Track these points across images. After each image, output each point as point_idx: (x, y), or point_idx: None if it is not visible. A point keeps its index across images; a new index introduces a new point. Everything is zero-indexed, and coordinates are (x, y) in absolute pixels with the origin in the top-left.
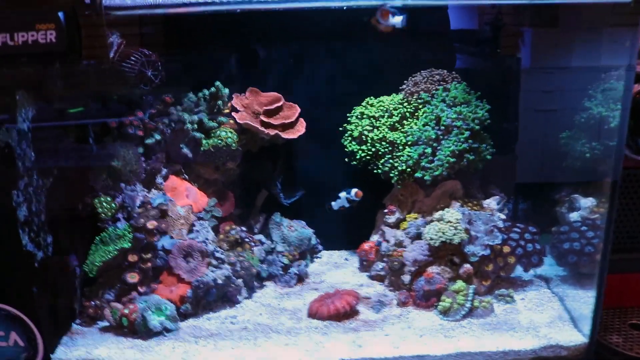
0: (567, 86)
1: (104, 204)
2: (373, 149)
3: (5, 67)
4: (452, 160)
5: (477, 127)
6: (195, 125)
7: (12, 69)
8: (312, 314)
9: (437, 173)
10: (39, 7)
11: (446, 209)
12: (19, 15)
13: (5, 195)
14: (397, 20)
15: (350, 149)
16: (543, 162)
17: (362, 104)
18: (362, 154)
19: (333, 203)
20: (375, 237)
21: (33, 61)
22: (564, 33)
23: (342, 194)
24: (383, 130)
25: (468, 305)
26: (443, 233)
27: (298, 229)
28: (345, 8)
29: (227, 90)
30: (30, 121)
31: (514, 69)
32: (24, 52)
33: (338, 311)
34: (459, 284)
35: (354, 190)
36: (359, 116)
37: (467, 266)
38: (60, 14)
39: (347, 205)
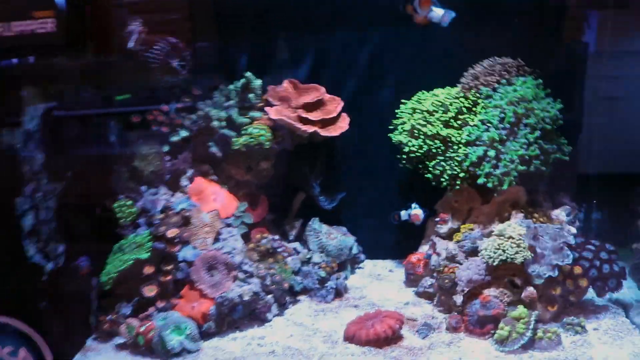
0: None
1: (123, 208)
2: (425, 147)
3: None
4: (521, 167)
5: (549, 126)
6: (225, 122)
7: (7, 61)
8: (349, 338)
9: (504, 187)
10: None
11: (507, 223)
12: (14, 2)
13: (8, 204)
14: (437, 13)
15: (396, 140)
16: (623, 164)
17: (414, 98)
18: (414, 147)
19: (402, 212)
20: (424, 248)
21: (31, 53)
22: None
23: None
24: (437, 126)
25: (529, 334)
26: (503, 251)
27: (338, 237)
28: None
29: (259, 82)
30: (39, 120)
31: (579, 54)
32: (21, 44)
33: (378, 336)
34: (520, 309)
35: (413, 212)
36: (409, 111)
37: (531, 289)
38: (60, 1)
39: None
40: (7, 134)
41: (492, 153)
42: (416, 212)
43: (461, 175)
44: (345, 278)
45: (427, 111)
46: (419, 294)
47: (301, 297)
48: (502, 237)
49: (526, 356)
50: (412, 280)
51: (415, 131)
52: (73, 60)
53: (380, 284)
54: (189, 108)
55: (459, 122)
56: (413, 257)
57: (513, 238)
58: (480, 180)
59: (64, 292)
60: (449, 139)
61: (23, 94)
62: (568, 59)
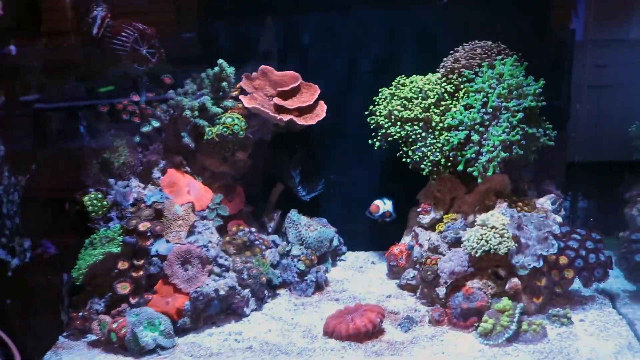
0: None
1: (94, 201)
2: (403, 132)
3: None
4: (503, 154)
5: (532, 103)
6: (197, 112)
7: None
8: (329, 333)
9: (489, 173)
10: None
11: (490, 212)
12: None
13: None
14: None
15: (373, 123)
16: (610, 152)
17: (393, 83)
18: (391, 132)
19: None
20: (406, 239)
21: None
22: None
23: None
24: (415, 110)
25: (514, 327)
26: (486, 241)
27: (318, 229)
28: None
29: (232, 69)
30: None
31: (567, 40)
32: None
33: (359, 330)
34: (504, 301)
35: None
36: (388, 97)
37: (515, 281)
38: None
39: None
40: None
41: (475, 137)
42: (376, 203)
43: (442, 161)
44: (326, 271)
45: (405, 98)
46: (401, 287)
47: (280, 291)
48: (485, 227)
49: (511, 349)
50: (394, 272)
51: (393, 116)
52: (26, 46)
53: (362, 276)
54: (161, 98)
55: (441, 108)
56: (395, 249)
57: (496, 228)
58: (461, 167)
59: (32, 288)
60: (429, 124)
61: None
62: (556, 46)
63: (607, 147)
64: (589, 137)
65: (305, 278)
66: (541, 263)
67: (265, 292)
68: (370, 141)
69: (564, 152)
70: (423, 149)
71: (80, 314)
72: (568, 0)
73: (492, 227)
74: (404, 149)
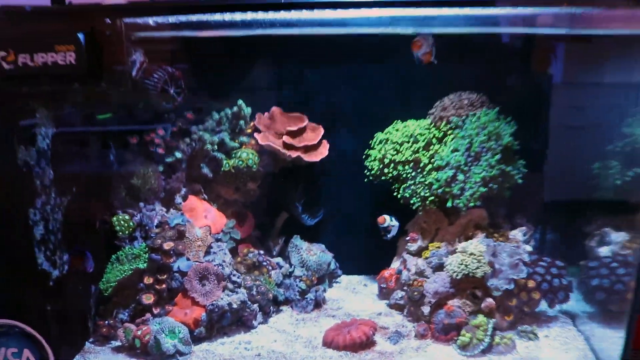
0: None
1: (121, 222)
2: (395, 172)
3: (25, 87)
4: (482, 189)
5: (509, 139)
6: (216, 146)
7: (32, 89)
8: (328, 343)
9: (471, 204)
10: (59, 29)
11: (469, 241)
12: (39, 37)
13: (22, 214)
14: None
15: (370, 165)
16: (574, 190)
17: (387, 128)
18: (379, 172)
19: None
20: (396, 265)
21: (53, 82)
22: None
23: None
24: (406, 153)
25: (487, 340)
26: (466, 266)
27: (317, 253)
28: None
29: (249, 110)
30: (50, 140)
31: (544, 84)
32: (44, 73)
33: (354, 341)
34: (480, 318)
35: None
36: (382, 141)
37: (490, 300)
38: (80, 35)
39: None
40: (24, 152)
41: (461, 177)
42: (384, 216)
43: (430, 198)
44: (324, 290)
45: (397, 142)
46: (390, 306)
47: (283, 307)
48: (465, 254)
49: (484, 359)
50: (384, 293)
51: (386, 160)
52: (88, 88)
53: (355, 296)
54: (183, 131)
55: (430, 151)
56: (386, 273)
57: (474, 254)
58: (449, 204)
59: (66, 297)
60: (418, 164)
61: (37, 116)
62: (534, 88)
63: (575, 185)
64: (559, 175)
65: (306, 296)
66: (512, 286)
67: (271, 307)
68: (365, 180)
69: (536, 190)
70: (412, 187)
71: (107, 322)
72: (548, 46)
73: (471, 254)
74: (396, 186)
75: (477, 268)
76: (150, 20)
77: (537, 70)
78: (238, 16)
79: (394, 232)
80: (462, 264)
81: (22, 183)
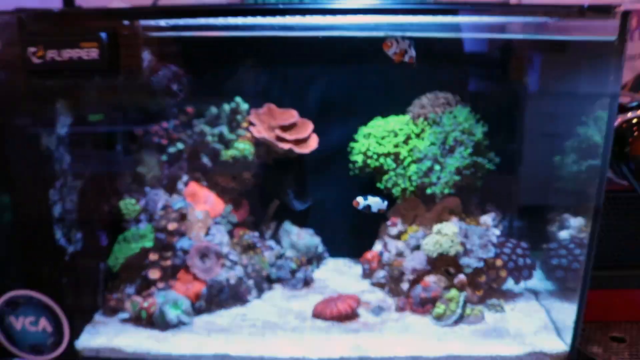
0: (567, 111)
1: (128, 205)
2: (377, 164)
3: (52, 80)
4: (456, 178)
5: (480, 136)
6: (216, 138)
7: (58, 81)
8: (317, 315)
9: (446, 190)
10: (84, 28)
11: (444, 223)
12: (67, 35)
13: (43, 194)
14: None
15: (354, 158)
16: (536, 184)
17: (370, 123)
18: (363, 164)
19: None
20: (378, 247)
21: (77, 75)
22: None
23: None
24: (388, 146)
25: (459, 311)
26: (440, 245)
27: (306, 237)
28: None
29: (246, 106)
30: (68, 128)
31: (518, 93)
32: (69, 67)
33: (340, 313)
34: (453, 292)
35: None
36: (365, 135)
37: (462, 277)
38: (103, 34)
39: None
40: (46, 138)
41: (437, 167)
42: (357, 199)
43: (410, 188)
44: (312, 271)
45: (379, 136)
46: (373, 284)
47: (276, 285)
48: (439, 234)
49: (457, 328)
50: (367, 273)
51: (369, 152)
52: (106, 82)
53: (341, 276)
54: (185, 124)
55: (409, 145)
56: (369, 254)
57: (448, 235)
58: (428, 190)
59: (79, 272)
60: (398, 157)
61: (58, 105)
62: (510, 96)
63: (542, 180)
64: (529, 174)
65: (296, 275)
66: (482, 264)
67: (264, 284)
68: (350, 172)
69: (506, 184)
70: (393, 177)
71: (115, 295)
72: (524, 56)
73: (445, 234)
74: (378, 176)
75: (451, 247)
76: (162, 22)
77: (511, 76)
78: (234, 20)
79: (375, 207)
80: (437, 244)
81: (44, 166)
